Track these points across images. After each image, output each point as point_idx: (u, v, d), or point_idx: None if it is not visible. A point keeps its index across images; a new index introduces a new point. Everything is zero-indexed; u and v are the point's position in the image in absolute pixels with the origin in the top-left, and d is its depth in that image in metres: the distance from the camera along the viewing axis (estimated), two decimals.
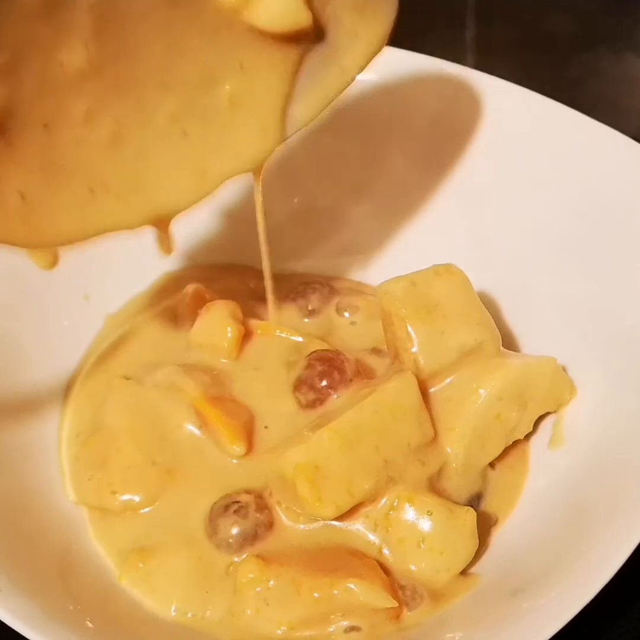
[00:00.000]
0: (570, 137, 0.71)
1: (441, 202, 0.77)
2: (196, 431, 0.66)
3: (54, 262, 0.71)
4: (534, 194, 0.73)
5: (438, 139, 0.76)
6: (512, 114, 0.73)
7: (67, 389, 0.72)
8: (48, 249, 0.68)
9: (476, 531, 0.61)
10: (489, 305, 0.68)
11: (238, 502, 0.63)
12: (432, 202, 0.77)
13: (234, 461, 0.65)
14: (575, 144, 0.71)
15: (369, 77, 0.71)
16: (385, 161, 0.77)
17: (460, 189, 0.76)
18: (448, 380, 0.65)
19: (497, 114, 0.74)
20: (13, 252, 0.68)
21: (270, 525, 0.62)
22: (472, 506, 0.63)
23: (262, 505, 0.63)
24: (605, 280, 0.68)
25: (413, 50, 0.75)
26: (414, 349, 0.64)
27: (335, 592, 0.58)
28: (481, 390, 0.64)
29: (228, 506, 0.63)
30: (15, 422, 0.68)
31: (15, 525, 0.61)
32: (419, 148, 0.76)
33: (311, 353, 0.68)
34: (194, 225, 0.78)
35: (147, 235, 0.75)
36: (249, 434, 0.66)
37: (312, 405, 0.66)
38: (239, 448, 0.65)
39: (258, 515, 0.62)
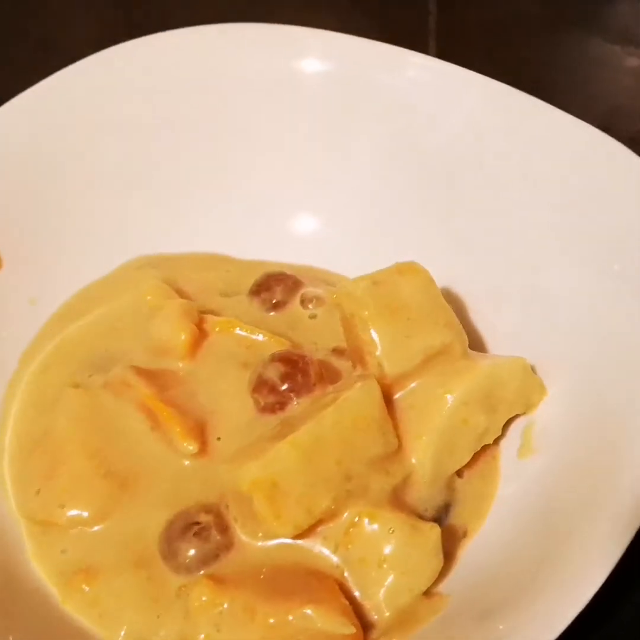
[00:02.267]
0: (537, 129, 0.67)
1: (405, 198, 0.72)
2: (148, 431, 0.62)
3: None
4: (499, 189, 0.69)
5: (402, 130, 0.72)
6: (479, 105, 0.69)
7: (5, 398, 0.67)
8: None
9: (440, 549, 0.56)
10: (454, 304, 0.65)
11: (198, 523, 0.58)
12: (397, 196, 0.73)
13: (186, 462, 0.61)
14: (542, 136, 0.67)
15: (330, 66, 0.71)
16: (349, 151, 0.73)
17: (424, 184, 0.72)
18: (413, 384, 0.61)
19: (460, 104, 0.70)
20: None
21: (230, 545, 0.57)
22: (440, 517, 0.60)
23: (223, 525, 0.58)
24: (575, 279, 0.64)
25: (376, 37, 0.72)
26: (377, 353, 0.60)
27: (291, 617, 0.53)
28: (448, 395, 0.60)
29: (187, 527, 0.57)
30: None
31: None
32: (383, 139, 0.72)
33: (274, 353, 0.63)
34: (155, 211, 0.74)
35: (99, 229, 0.72)
36: (201, 433, 0.62)
37: (271, 409, 0.61)
38: (191, 446, 0.61)
39: (219, 537, 0.57)
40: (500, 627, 0.51)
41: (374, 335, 0.60)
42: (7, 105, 0.69)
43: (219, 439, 0.62)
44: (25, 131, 0.70)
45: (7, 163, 0.69)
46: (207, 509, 0.58)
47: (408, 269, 0.62)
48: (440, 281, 0.63)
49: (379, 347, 0.60)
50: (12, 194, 0.69)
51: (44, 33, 0.96)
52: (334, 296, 0.64)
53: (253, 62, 0.73)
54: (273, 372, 0.62)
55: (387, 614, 0.55)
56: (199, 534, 0.57)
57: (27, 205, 0.70)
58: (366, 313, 0.60)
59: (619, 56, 0.95)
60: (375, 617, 0.56)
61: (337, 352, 0.66)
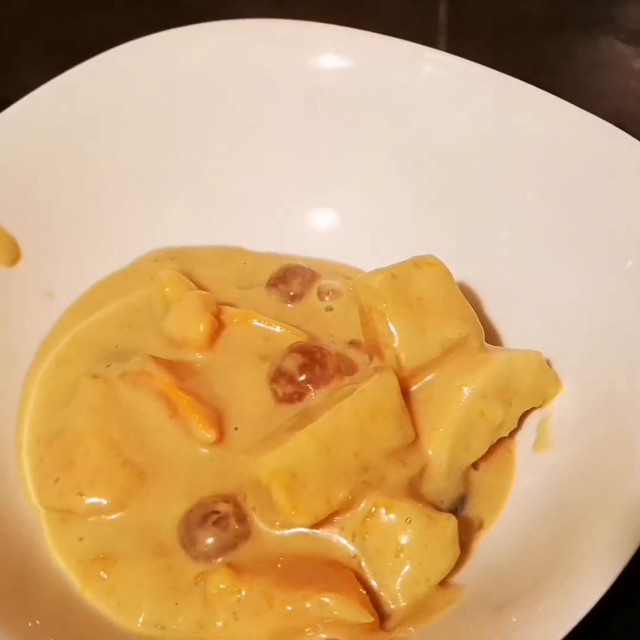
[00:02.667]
0: (551, 123, 0.67)
1: (421, 192, 0.72)
2: (166, 420, 0.61)
3: (15, 258, 0.66)
4: (515, 183, 0.68)
5: (418, 125, 0.71)
6: (494, 100, 0.69)
7: (23, 391, 0.66)
8: (10, 244, 0.64)
9: (457, 539, 0.56)
10: (470, 298, 0.64)
11: (217, 511, 0.57)
12: (413, 191, 0.72)
13: (204, 451, 0.61)
14: (556, 130, 0.67)
15: (347, 62, 0.71)
16: (365, 146, 0.73)
17: (440, 179, 0.71)
18: (429, 377, 0.61)
19: (475, 99, 0.70)
20: None
21: (248, 534, 0.57)
22: (456, 509, 0.60)
23: (241, 515, 0.57)
24: (591, 273, 0.63)
25: (385, 33, 0.72)
26: (395, 345, 0.60)
27: (308, 605, 0.53)
28: (464, 388, 0.60)
29: (206, 516, 0.57)
30: None
31: None
32: (400, 135, 0.72)
33: (293, 344, 0.63)
34: (172, 204, 0.74)
35: (116, 222, 0.72)
36: (219, 422, 0.62)
37: (289, 399, 0.61)
38: (209, 434, 0.60)
39: (238, 526, 0.57)
40: (514, 619, 0.51)
41: (392, 327, 0.60)
42: (24, 99, 0.69)
43: (236, 429, 0.61)
44: (42, 126, 0.70)
45: (25, 157, 0.69)
46: (226, 498, 0.58)
47: (425, 262, 0.61)
48: (457, 275, 0.63)
49: (397, 340, 0.59)
50: (31, 187, 0.69)
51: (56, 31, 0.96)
52: (351, 288, 0.64)
53: (270, 57, 0.72)
54: (291, 363, 0.61)
55: (403, 603, 0.55)
56: (218, 523, 0.57)
57: (44, 198, 0.70)
58: (383, 305, 0.60)
59: (629, 57, 0.95)
60: (392, 606, 0.55)
61: (354, 344, 0.66)
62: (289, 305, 0.70)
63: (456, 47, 0.84)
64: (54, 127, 0.70)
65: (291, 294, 0.70)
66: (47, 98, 0.70)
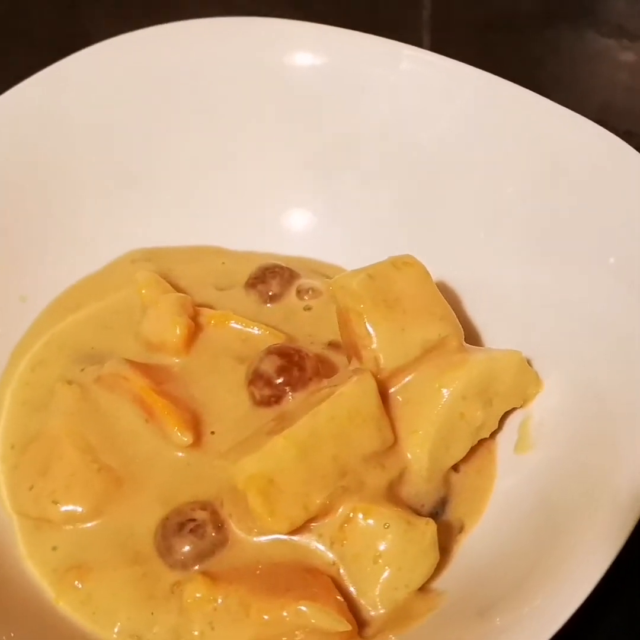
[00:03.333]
0: (532, 121, 0.66)
1: (400, 190, 0.71)
2: (142, 424, 0.60)
3: None
4: (495, 182, 0.67)
5: (396, 122, 0.70)
6: (474, 98, 0.68)
7: None
8: None
9: (436, 544, 0.55)
10: (449, 297, 0.63)
11: (194, 519, 0.56)
12: (391, 189, 0.71)
13: (180, 455, 0.59)
14: (537, 128, 0.66)
15: (323, 59, 0.70)
16: (342, 144, 0.72)
17: (419, 178, 0.70)
18: (408, 378, 0.59)
19: (454, 97, 0.68)
20: None
21: (225, 542, 0.56)
22: (437, 513, 0.59)
23: (218, 522, 0.56)
24: (572, 271, 0.63)
25: (369, 31, 0.71)
26: (373, 346, 0.59)
27: (285, 614, 0.52)
28: (444, 389, 0.58)
29: (183, 524, 0.56)
30: None
31: None
32: (377, 132, 0.71)
33: (271, 346, 0.62)
34: (149, 204, 0.73)
35: (91, 223, 0.70)
36: (196, 425, 0.60)
37: (267, 402, 0.60)
38: (185, 437, 0.59)
39: (214, 534, 0.56)
40: (497, 622, 0.50)
41: (370, 328, 0.59)
42: None
43: (213, 432, 0.60)
44: (9, 127, 0.68)
45: None
46: (203, 505, 0.57)
47: (403, 263, 0.60)
48: (436, 275, 0.62)
49: (375, 341, 0.58)
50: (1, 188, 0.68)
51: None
52: (330, 288, 0.63)
53: (245, 55, 0.71)
54: (269, 365, 0.60)
55: (383, 610, 0.54)
56: (195, 530, 0.56)
57: (14, 200, 0.68)
58: (361, 306, 0.59)
59: (614, 50, 0.94)
60: (371, 613, 0.54)
61: (333, 345, 0.65)
62: (268, 305, 0.69)
63: (441, 42, 0.83)
64: (17, 130, 0.69)
65: (270, 294, 0.69)
66: (11, 101, 0.68)
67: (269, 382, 0.60)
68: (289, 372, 0.60)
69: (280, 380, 0.60)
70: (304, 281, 0.70)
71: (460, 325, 0.61)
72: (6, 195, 0.68)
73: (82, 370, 0.64)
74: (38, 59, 0.70)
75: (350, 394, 0.56)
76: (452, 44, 0.72)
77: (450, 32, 0.95)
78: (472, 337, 0.65)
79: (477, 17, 0.97)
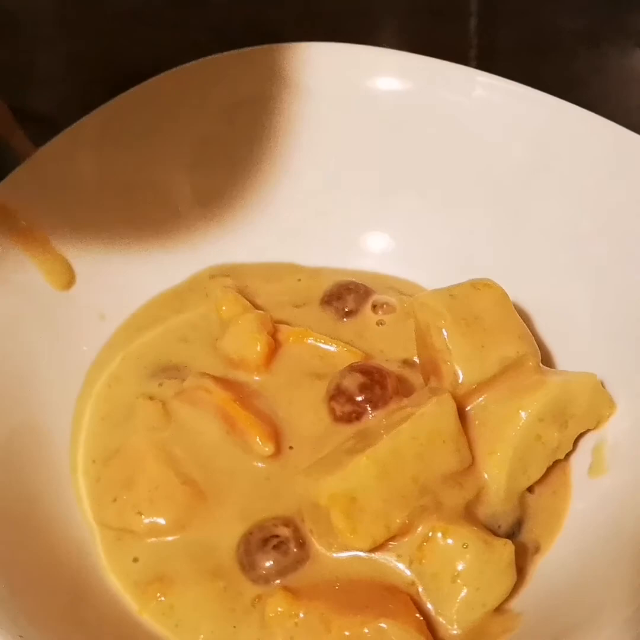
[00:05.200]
0: (603, 150, 0.65)
1: (476, 211, 0.70)
2: (224, 436, 0.59)
3: (70, 282, 0.65)
4: (567, 208, 0.66)
5: (473, 148, 0.70)
6: (544, 124, 0.67)
7: (76, 413, 0.64)
8: (65, 268, 0.62)
9: (514, 565, 0.54)
10: (524, 319, 0.62)
11: (277, 536, 0.56)
12: (467, 210, 0.70)
13: (261, 465, 0.59)
14: (609, 157, 0.65)
15: (404, 85, 0.70)
16: (421, 167, 0.71)
17: (496, 200, 0.69)
18: (483, 398, 0.59)
19: (527, 123, 0.68)
20: (29, 271, 0.62)
21: (306, 558, 0.56)
22: (513, 533, 0.58)
23: (300, 539, 0.56)
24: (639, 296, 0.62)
25: (417, 51, 0.71)
26: (453, 361, 0.58)
27: (366, 631, 0.51)
28: (521, 412, 0.58)
29: (267, 540, 0.55)
30: (25, 445, 0.60)
31: (28, 560, 0.54)
32: (454, 157, 0.70)
33: (353, 363, 0.62)
34: (226, 220, 0.72)
35: (169, 240, 0.70)
36: (276, 437, 0.60)
37: (347, 418, 0.60)
38: (267, 448, 0.59)
39: (297, 550, 0.55)
40: None
41: (450, 344, 0.58)
42: (76, 125, 0.68)
43: (291, 447, 0.60)
44: (92, 150, 0.68)
45: (77, 180, 0.67)
46: (285, 521, 0.56)
47: (483, 284, 0.60)
48: (512, 297, 0.61)
49: (455, 356, 0.58)
50: (82, 209, 0.67)
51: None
52: (406, 305, 0.63)
53: (329, 79, 0.71)
54: (351, 382, 0.60)
55: (459, 630, 0.53)
56: (278, 547, 0.55)
57: (98, 220, 0.68)
58: (442, 322, 0.58)
59: None
60: (448, 632, 0.53)
61: (408, 364, 0.64)
62: (344, 320, 0.68)
63: (487, 63, 0.82)
64: (100, 151, 0.68)
65: (346, 310, 0.68)
66: (95, 123, 0.68)
67: (351, 399, 0.59)
68: (371, 389, 0.59)
69: (361, 398, 0.59)
70: (379, 297, 0.69)
71: (537, 346, 0.60)
72: (88, 215, 0.67)
73: (160, 384, 0.64)
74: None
75: (431, 414, 0.55)
76: (499, 69, 0.71)
77: (497, 56, 0.93)
78: (546, 358, 0.64)
79: (523, 40, 0.96)
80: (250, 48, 0.71)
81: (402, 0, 0.95)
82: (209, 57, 0.70)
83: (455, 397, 0.57)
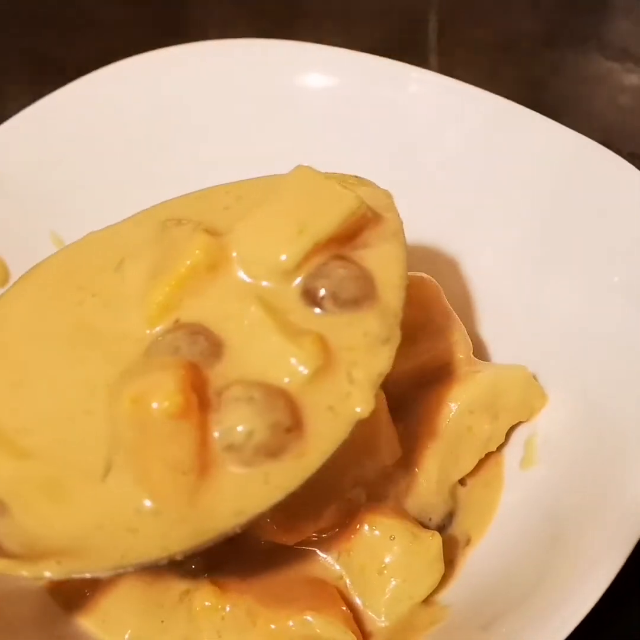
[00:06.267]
0: (538, 145, 0.65)
1: (405, 209, 0.69)
2: None
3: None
4: (501, 203, 0.66)
5: (405, 144, 0.69)
6: (479, 121, 0.67)
7: None
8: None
9: (441, 557, 0.53)
10: (458, 313, 0.62)
11: None
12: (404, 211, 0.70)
13: None
14: (544, 152, 0.64)
15: (333, 81, 0.69)
16: (352, 164, 0.68)
17: (427, 197, 0.68)
18: (416, 392, 0.58)
19: (462, 120, 0.67)
20: None
21: (233, 552, 0.54)
22: (444, 526, 0.57)
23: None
24: (577, 289, 0.61)
25: (376, 53, 0.69)
26: None
27: (291, 624, 0.51)
28: (451, 403, 0.57)
29: None
30: None
31: None
32: (385, 154, 0.69)
33: None
34: None
35: None
36: None
37: None
38: None
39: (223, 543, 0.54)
40: (503, 630, 0.49)
41: None
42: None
43: None
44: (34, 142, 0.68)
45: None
46: None
47: (418, 279, 0.60)
48: (447, 292, 0.61)
49: None
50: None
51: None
52: None
53: (257, 77, 0.70)
54: None
55: (387, 622, 0.53)
56: None
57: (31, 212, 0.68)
58: None
59: (618, 73, 0.92)
60: (376, 625, 0.53)
61: None
62: None
63: (445, 64, 0.82)
64: (49, 141, 0.68)
65: None
66: (39, 116, 0.68)
67: None
68: None
69: None
70: None
71: (468, 338, 0.60)
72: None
73: None
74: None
75: None
76: (458, 68, 0.71)
77: (456, 56, 0.93)
78: (479, 351, 0.64)
79: (483, 40, 0.95)
80: (181, 45, 0.71)
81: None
82: (141, 55, 0.70)
83: (385, 392, 0.55)
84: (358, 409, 0.46)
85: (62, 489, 0.46)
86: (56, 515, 0.45)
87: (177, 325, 0.48)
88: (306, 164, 0.52)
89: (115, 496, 0.45)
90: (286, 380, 0.46)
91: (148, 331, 0.49)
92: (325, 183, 0.50)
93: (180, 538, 0.44)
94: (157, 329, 0.49)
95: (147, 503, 0.45)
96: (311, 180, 0.50)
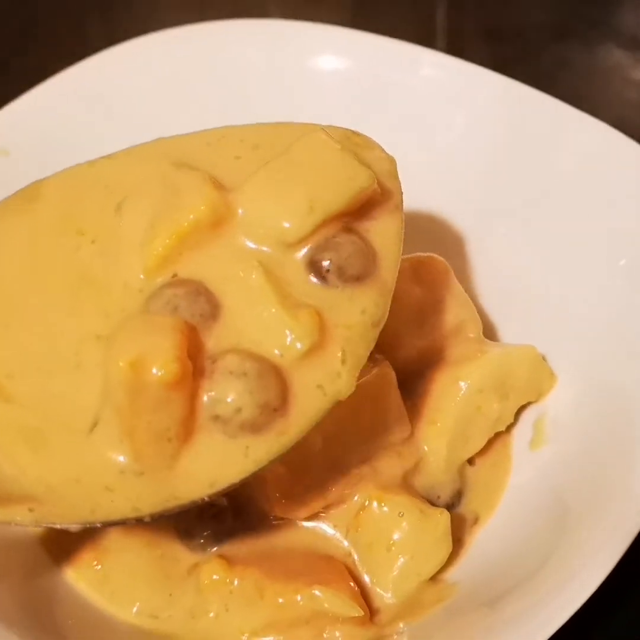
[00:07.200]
0: (548, 126, 0.64)
1: (417, 190, 0.69)
2: None
3: None
4: (512, 185, 0.65)
5: (416, 126, 0.68)
6: (490, 102, 0.67)
7: None
8: None
9: (449, 534, 0.53)
10: (468, 292, 0.62)
11: (214, 505, 0.54)
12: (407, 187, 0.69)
13: None
14: (555, 134, 0.64)
15: (345, 63, 0.69)
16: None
17: (437, 178, 0.68)
18: (426, 370, 0.58)
19: (473, 101, 0.67)
20: None
21: (243, 527, 0.54)
22: (452, 504, 0.57)
23: (237, 508, 0.54)
24: (586, 270, 0.61)
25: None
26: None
27: (299, 598, 0.50)
28: (461, 382, 0.57)
29: (204, 509, 0.54)
30: None
31: None
32: (398, 135, 0.64)
33: None
34: None
35: None
36: None
37: None
38: None
39: (233, 519, 0.54)
40: (506, 612, 0.48)
41: None
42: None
43: None
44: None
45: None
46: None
47: (427, 257, 0.60)
48: (457, 272, 0.61)
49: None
50: None
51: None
52: None
53: (269, 58, 0.69)
54: None
55: (394, 598, 0.52)
56: (217, 516, 0.54)
57: None
58: None
59: (627, 65, 0.92)
60: (383, 601, 0.52)
61: None
62: None
63: (455, 54, 0.81)
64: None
65: None
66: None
67: None
68: None
69: None
70: None
71: (478, 317, 0.60)
72: None
73: None
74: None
75: (371, 384, 0.53)
76: (466, 55, 0.70)
77: (465, 43, 0.92)
78: (489, 331, 0.64)
79: (491, 28, 0.94)
80: (192, 25, 0.70)
81: None
82: (151, 34, 0.70)
83: (395, 370, 0.55)
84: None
85: (44, 438, 0.45)
86: (34, 463, 0.45)
87: (177, 281, 0.47)
88: (324, 125, 0.52)
89: (98, 452, 0.45)
90: (280, 353, 0.45)
91: (145, 282, 0.48)
92: (341, 156, 0.49)
93: (153, 501, 0.44)
94: (155, 281, 0.48)
95: (129, 463, 0.44)
96: (328, 152, 0.50)
